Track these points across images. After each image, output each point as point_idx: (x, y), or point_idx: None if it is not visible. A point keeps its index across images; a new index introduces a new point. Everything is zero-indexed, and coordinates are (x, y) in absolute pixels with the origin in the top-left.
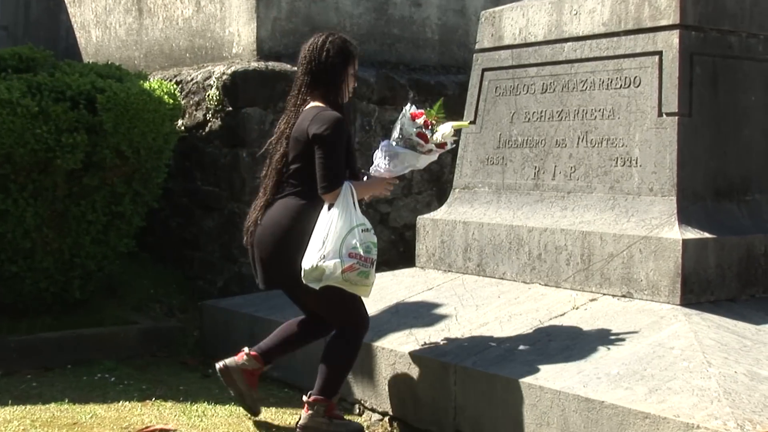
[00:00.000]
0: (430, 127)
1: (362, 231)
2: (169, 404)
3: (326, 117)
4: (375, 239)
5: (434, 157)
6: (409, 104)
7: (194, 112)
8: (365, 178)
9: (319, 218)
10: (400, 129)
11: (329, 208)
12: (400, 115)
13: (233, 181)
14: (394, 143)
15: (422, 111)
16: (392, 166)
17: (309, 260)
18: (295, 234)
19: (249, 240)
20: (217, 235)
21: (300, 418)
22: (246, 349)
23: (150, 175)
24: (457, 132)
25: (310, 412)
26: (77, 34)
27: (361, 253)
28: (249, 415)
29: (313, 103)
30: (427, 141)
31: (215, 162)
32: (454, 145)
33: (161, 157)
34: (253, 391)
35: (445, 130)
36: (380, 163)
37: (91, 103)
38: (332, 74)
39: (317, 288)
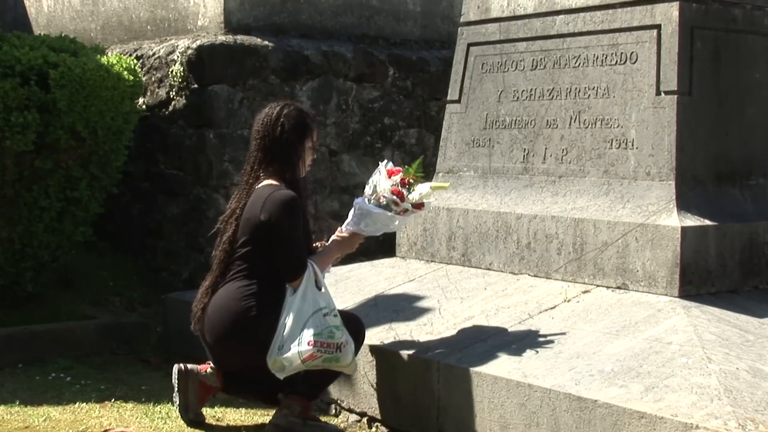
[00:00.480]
0: (407, 185)
1: (323, 316)
2: (129, 406)
3: (278, 200)
4: (338, 321)
5: (410, 219)
6: (385, 161)
7: (156, 90)
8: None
9: (284, 305)
10: (374, 186)
11: (293, 292)
12: (375, 172)
13: (199, 164)
14: (367, 201)
15: (399, 168)
16: (363, 225)
17: (270, 353)
18: (242, 318)
19: (197, 326)
20: (182, 222)
21: (273, 417)
22: (212, 364)
23: (108, 157)
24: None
25: (284, 410)
26: (26, 4)
27: (323, 339)
28: (217, 418)
29: (266, 181)
30: (403, 199)
31: (179, 144)
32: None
33: (121, 139)
34: (199, 407)
35: (423, 190)
36: (350, 222)
37: (43, 79)
38: (287, 151)
39: (281, 378)
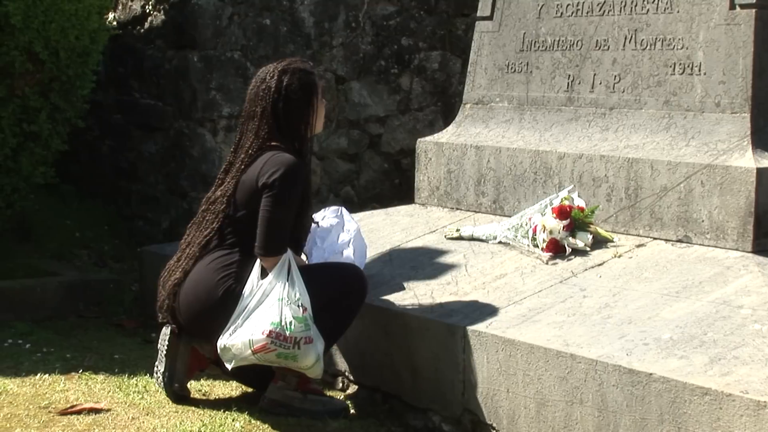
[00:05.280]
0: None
1: (287, 304)
2: (100, 377)
3: (281, 161)
4: (303, 314)
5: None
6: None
7: (129, 3)
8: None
9: (245, 285)
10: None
11: (262, 275)
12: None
13: (181, 92)
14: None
15: (568, 205)
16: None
17: (221, 336)
18: (219, 289)
19: (166, 315)
20: (161, 162)
21: (267, 390)
22: None
23: (72, 84)
24: None
25: (280, 382)
26: None
27: (279, 331)
28: (203, 392)
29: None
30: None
31: (157, 68)
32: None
33: (87, 62)
34: (186, 379)
35: (585, 239)
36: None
37: None
38: (295, 123)
39: (229, 368)
